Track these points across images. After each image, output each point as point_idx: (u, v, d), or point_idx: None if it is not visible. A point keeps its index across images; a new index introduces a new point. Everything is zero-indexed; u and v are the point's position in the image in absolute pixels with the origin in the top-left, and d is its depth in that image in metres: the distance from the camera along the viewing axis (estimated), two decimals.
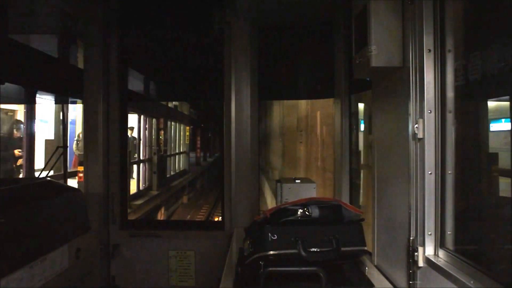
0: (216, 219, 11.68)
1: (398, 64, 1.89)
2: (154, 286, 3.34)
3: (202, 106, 18.21)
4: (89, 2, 3.24)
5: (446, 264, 1.63)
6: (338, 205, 2.09)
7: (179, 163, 15.60)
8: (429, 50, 1.74)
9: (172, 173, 14.02)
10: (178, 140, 15.77)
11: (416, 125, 1.76)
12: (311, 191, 2.77)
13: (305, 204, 2.02)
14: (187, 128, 17.77)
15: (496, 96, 1.67)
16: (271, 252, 1.89)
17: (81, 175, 7.54)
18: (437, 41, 1.73)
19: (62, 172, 3.93)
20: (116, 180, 3.39)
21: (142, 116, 10.80)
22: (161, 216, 10.86)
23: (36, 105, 4.96)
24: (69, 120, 10.01)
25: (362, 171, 3.57)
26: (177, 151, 15.37)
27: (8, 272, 1.82)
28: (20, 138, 7.39)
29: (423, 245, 1.74)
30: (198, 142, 20.69)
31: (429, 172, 1.73)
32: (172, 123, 14.47)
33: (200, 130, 21.67)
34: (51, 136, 10.62)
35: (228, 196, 3.26)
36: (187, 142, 17.49)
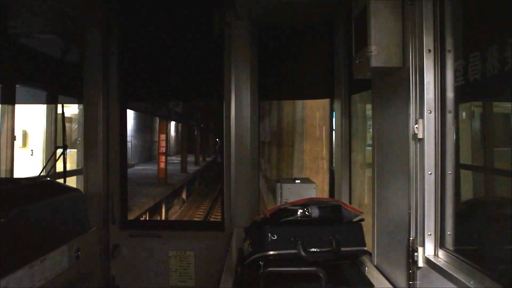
0: None
1: (398, 64, 1.89)
2: (154, 286, 3.34)
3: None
4: (89, 2, 3.24)
5: (446, 264, 1.63)
6: (338, 205, 2.09)
7: None
8: (429, 50, 1.74)
9: None
10: None
11: (416, 125, 1.76)
12: (311, 191, 2.77)
13: (305, 204, 2.02)
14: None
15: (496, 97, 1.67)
16: (271, 252, 1.89)
17: None
18: (437, 41, 1.73)
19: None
20: (116, 180, 3.39)
21: None
22: None
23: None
24: None
25: None
26: None
27: (8, 272, 1.82)
28: None
29: (423, 245, 1.74)
30: (163, 143, 14.02)
31: (429, 172, 1.73)
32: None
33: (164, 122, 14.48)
34: None
35: (228, 196, 3.26)
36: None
